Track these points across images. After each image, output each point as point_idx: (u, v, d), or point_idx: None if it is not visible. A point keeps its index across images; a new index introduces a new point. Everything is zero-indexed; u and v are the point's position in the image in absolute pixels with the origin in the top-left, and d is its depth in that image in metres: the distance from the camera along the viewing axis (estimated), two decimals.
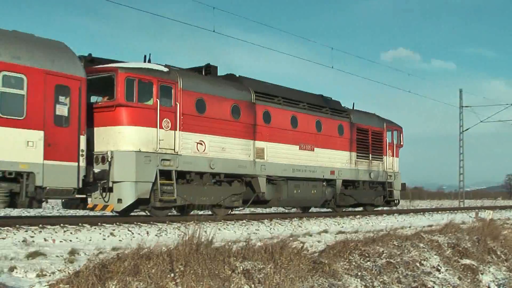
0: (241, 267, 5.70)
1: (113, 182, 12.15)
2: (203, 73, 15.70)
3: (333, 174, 18.72)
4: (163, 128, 13.00)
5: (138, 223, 11.27)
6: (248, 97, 15.79)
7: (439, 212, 22.13)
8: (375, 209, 22.11)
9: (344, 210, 20.15)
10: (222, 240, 6.38)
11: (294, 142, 17.13)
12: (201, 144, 13.99)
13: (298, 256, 6.45)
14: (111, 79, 12.36)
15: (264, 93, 16.45)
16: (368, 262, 7.56)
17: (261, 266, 5.90)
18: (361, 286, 6.86)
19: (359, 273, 7.11)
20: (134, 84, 12.54)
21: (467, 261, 9.41)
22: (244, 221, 13.25)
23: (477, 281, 8.83)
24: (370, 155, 20.93)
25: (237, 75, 16.69)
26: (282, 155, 16.62)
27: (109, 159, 12.16)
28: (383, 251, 8.09)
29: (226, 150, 14.63)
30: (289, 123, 17.07)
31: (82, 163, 11.27)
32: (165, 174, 12.96)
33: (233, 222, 12.81)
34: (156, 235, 9.99)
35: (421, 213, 20.79)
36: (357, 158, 20.12)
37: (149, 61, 13.99)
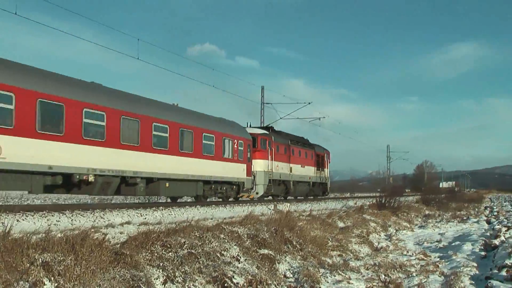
0: (41, 259, 6.24)
1: (255, 184, 33.14)
2: (270, 130, 37.98)
3: (310, 179, 44.04)
4: (269, 160, 34.66)
5: None
6: (287, 142, 39.40)
7: (240, 204, 24.47)
8: (319, 196, 47.28)
9: (310, 198, 44.49)
10: (20, 232, 6.79)
11: (299, 163, 41.33)
12: (277, 166, 36.19)
13: (100, 248, 7.18)
14: (255, 139, 33.37)
15: (292, 140, 40.57)
16: (170, 253, 8.62)
17: (62, 258, 6.51)
18: (163, 277, 7.85)
19: (161, 264, 8.11)
20: (262, 141, 34.60)
21: (265, 251, 11.03)
22: (45, 212, 13.73)
23: (274, 270, 10.47)
24: (320, 168, 46.88)
25: (277, 129, 40.51)
26: (297, 170, 40.73)
27: (255, 174, 32.84)
28: (185, 242, 9.22)
29: (283, 169, 37.40)
30: (298, 154, 41.22)
31: (251, 177, 31.73)
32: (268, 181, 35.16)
33: (32, 213, 13.19)
34: None
35: (223, 205, 22.84)
36: (316, 170, 45.60)
37: (250, 125, 36.63)
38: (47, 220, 12.46)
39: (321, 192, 48.08)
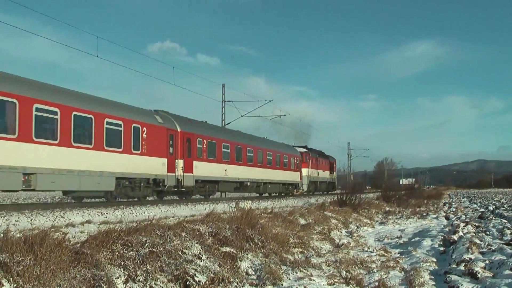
0: None
1: (302, 184, 56.24)
2: (306, 148, 61.61)
3: (327, 180, 68.71)
4: (308, 168, 58.77)
5: None
6: (316, 156, 64.06)
7: (202, 202, 24.49)
8: (331, 192, 65.25)
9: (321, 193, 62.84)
10: None
11: (321, 169, 65.52)
12: (312, 172, 60.49)
13: (60, 247, 7.15)
14: (302, 155, 56.32)
15: (318, 154, 65.71)
16: (131, 252, 8.62)
17: (20, 258, 6.47)
18: (124, 276, 7.85)
19: (123, 263, 8.12)
20: (305, 157, 58.05)
21: (227, 249, 11.12)
22: (3, 211, 13.59)
23: (236, 267, 10.56)
24: (332, 172, 71.87)
25: (309, 147, 64.49)
26: (321, 174, 65.08)
27: (301, 178, 54.49)
28: (146, 240, 9.23)
29: (314, 174, 61.42)
30: (321, 163, 65.45)
31: (301, 180, 54.61)
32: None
33: None
34: None
35: (185, 203, 22.82)
36: (329, 173, 70.56)
37: (294, 145, 60.30)
38: (6, 219, 12.29)
39: (332, 188, 69.90)
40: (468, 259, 11.87)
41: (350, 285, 9.77)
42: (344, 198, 29.43)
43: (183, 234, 10.63)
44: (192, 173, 30.09)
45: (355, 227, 22.13)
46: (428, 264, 12.35)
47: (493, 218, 25.25)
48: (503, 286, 8.54)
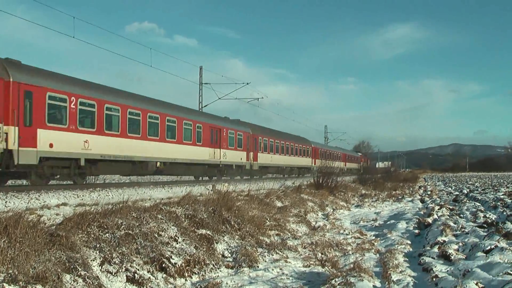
0: None
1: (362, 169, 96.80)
2: (361, 152, 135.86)
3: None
4: (362, 162, 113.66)
5: None
6: (363, 156, 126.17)
7: (179, 184, 24.45)
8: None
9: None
10: None
11: (364, 162, 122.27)
12: (364, 164, 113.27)
13: (34, 229, 7.12)
14: (360, 156, 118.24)
15: (362, 153, 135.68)
16: (107, 234, 8.62)
17: None
18: (100, 258, 7.86)
19: (98, 245, 8.12)
20: (361, 157, 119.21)
21: (203, 231, 11.15)
22: None
23: (213, 250, 10.61)
24: (366, 162, 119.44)
25: (361, 152, 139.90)
26: (364, 164, 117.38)
27: (360, 166, 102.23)
28: (122, 222, 9.23)
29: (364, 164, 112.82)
30: (364, 159, 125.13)
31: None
32: None
33: None
34: None
35: (161, 185, 22.79)
36: (365, 163, 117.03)
37: (356, 150, 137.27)
38: None
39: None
40: (442, 241, 12.09)
41: (326, 267, 9.88)
42: (320, 181, 29.61)
43: (159, 216, 10.63)
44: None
45: (332, 210, 22.32)
46: (403, 246, 12.54)
47: (467, 201, 25.66)
48: (475, 268, 8.72)
